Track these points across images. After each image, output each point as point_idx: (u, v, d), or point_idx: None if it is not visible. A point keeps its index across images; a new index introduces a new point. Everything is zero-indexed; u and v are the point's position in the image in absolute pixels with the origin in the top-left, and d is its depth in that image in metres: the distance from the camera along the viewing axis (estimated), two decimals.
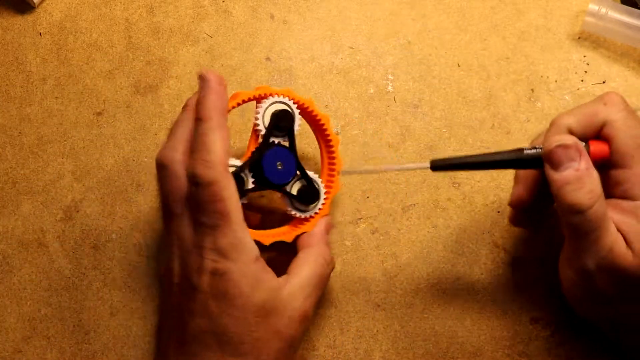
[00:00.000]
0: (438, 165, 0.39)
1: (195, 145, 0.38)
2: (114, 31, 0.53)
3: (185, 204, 0.38)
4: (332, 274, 0.46)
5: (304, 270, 0.40)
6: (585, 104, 0.38)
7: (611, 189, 0.37)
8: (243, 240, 0.37)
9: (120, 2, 0.53)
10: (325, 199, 0.44)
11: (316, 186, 0.44)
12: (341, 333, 0.45)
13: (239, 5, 0.53)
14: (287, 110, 0.42)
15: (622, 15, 0.49)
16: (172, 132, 0.41)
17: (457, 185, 0.48)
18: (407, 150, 0.49)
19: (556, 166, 0.35)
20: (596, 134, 0.37)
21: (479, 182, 0.48)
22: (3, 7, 0.54)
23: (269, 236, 0.42)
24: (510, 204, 0.42)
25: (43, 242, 0.48)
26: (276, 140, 0.42)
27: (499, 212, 0.47)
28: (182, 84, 0.51)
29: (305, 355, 0.45)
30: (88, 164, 0.49)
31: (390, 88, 0.50)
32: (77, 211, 0.48)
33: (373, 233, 0.47)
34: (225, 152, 0.37)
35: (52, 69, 0.52)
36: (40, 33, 0.53)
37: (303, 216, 0.43)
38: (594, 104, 0.38)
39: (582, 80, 0.50)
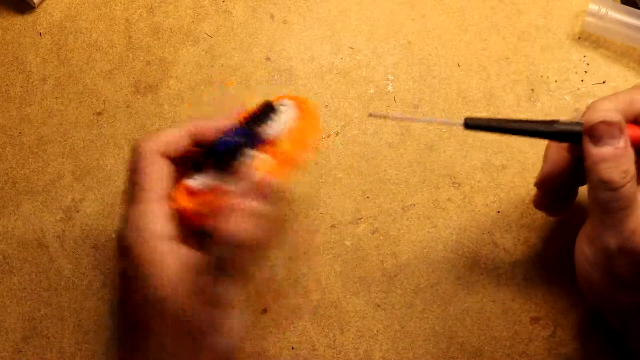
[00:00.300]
0: (472, 124, 0.37)
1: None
2: (114, 31, 0.53)
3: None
4: (332, 274, 0.46)
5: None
6: (623, 91, 0.38)
7: None
8: (150, 215, 0.36)
9: (120, 2, 0.53)
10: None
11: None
12: (341, 333, 0.45)
13: (239, 5, 0.53)
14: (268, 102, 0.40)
15: (622, 15, 0.49)
16: None
17: (457, 185, 0.48)
18: (407, 150, 0.49)
19: (596, 141, 0.36)
20: (633, 120, 0.38)
21: (479, 182, 0.48)
22: (3, 7, 0.54)
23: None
24: (537, 184, 0.41)
25: (43, 242, 0.48)
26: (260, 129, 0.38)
27: (499, 212, 0.47)
28: (182, 84, 0.51)
29: (305, 355, 0.45)
30: (88, 164, 0.50)
31: (390, 88, 0.50)
32: (77, 211, 0.48)
33: (373, 233, 0.47)
34: (168, 142, 0.38)
35: (52, 69, 0.52)
36: (40, 33, 0.53)
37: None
38: (631, 91, 0.38)
39: (582, 80, 0.50)
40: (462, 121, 0.37)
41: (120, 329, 0.38)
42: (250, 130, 0.38)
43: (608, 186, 0.35)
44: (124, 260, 0.37)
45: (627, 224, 0.35)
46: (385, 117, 0.44)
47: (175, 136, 0.38)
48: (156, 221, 0.36)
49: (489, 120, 0.37)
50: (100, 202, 0.49)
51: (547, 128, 0.37)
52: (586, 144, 0.36)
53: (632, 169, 0.35)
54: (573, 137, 0.37)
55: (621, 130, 0.36)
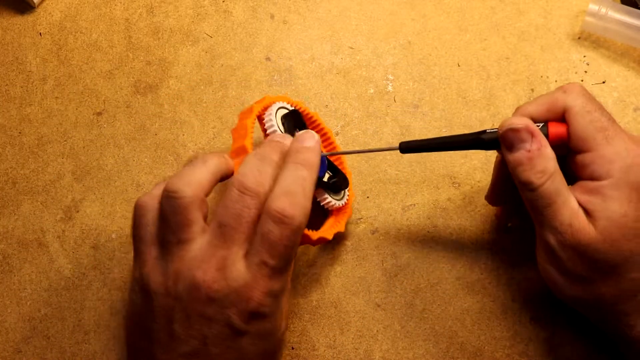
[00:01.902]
0: (406, 147, 0.41)
1: (291, 188, 0.36)
2: (114, 31, 0.53)
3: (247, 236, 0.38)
4: (332, 274, 0.46)
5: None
6: (547, 93, 0.39)
7: (579, 172, 0.38)
8: (288, 284, 0.38)
9: (120, 2, 0.53)
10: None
11: (342, 173, 0.45)
12: (341, 333, 0.45)
13: (239, 5, 0.53)
14: (297, 111, 0.44)
15: (622, 15, 0.49)
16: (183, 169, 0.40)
17: (457, 185, 0.48)
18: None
19: (509, 147, 0.37)
20: (560, 118, 0.39)
21: (479, 182, 0.48)
22: (3, 7, 0.54)
23: (313, 233, 0.42)
24: (486, 197, 0.45)
25: (43, 242, 0.48)
26: None
27: None
28: (182, 84, 0.51)
29: (305, 355, 0.45)
30: (88, 164, 0.49)
31: (390, 88, 0.50)
32: (77, 211, 0.48)
33: (373, 233, 0.47)
34: (205, 191, 0.37)
35: (52, 69, 0.52)
36: (40, 33, 0.53)
37: (339, 205, 0.44)
38: (554, 92, 0.39)
39: (582, 80, 0.50)
40: (397, 146, 0.41)
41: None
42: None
43: (528, 187, 0.37)
44: (251, 322, 0.36)
45: (559, 219, 0.36)
46: (330, 154, 0.46)
47: (209, 183, 0.37)
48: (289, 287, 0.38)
49: (420, 141, 0.40)
50: (100, 202, 0.49)
51: (473, 138, 0.39)
52: (504, 151, 0.38)
53: (550, 167, 0.36)
54: (498, 144, 0.39)
55: (531, 134, 0.37)
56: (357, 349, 0.45)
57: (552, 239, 0.37)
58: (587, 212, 0.36)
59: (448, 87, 0.50)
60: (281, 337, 0.38)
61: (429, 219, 0.47)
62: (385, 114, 0.50)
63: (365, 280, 0.46)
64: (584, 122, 0.37)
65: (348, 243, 0.47)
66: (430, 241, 0.47)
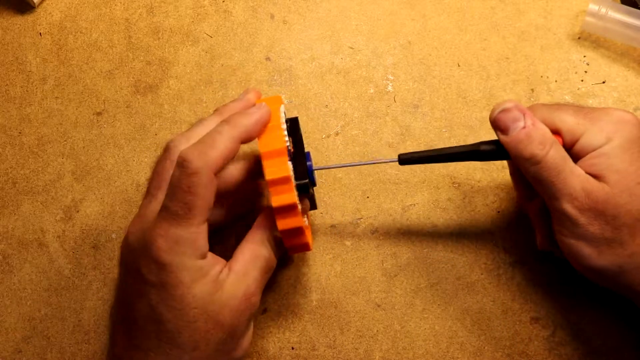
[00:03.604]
0: (405, 159, 0.41)
1: (205, 137, 0.38)
2: (114, 31, 0.53)
3: (163, 188, 0.40)
4: (332, 274, 0.46)
5: (246, 254, 0.39)
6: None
7: (577, 158, 0.39)
8: (195, 238, 0.37)
9: (120, 2, 0.53)
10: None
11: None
12: (341, 333, 0.45)
13: (239, 5, 0.53)
14: (297, 119, 0.43)
15: (622, 15, 0.49)
16: (193, 126, 0.42)
17: (457, 185, 0.48)
18: (407, 150, 0.49)
19: (504, 130, 0.38)
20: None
21: (479, 182, 0.48)
22: (3, 7, 0.54)
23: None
24: (521, 207, 0.45)
25: (43, 242, 0.48)
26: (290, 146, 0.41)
27: (499, 212, 0.47)
28: (182, 84, 0.51)
29: (305, 355, 0.45)
30: (88, 164, 0.50)
31: (390, 88, 0.50)
32: (77, 211, 0.48)
33: (373, 233, 0.47)
34: (224, 157, 0.37)
35: (52, 69, 0.52)
36: (40, 33, 0.53)
37: (307, 223, 0.43)
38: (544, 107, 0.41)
39: (582, 80, 0.50)
40: (396, 158, 0.41)
41: (147, 324, 0.38)
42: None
43: (533, 161, 0.37)
44: (158, 273, 0.37)
45: (571, 183, 0.37)
46: (328, 168, 0.46)
47: (228, 150, 0.38)
48: (199, 244, 0.37)
49: (419, 152, 0.41)
50: (100, 202, 0.49)
51: (471, 149, 0.40)
52: (502, 139, 0.39)
53: (549, 137, 0.37)
54: (495, 154, 0.40)
55: (521, 111, 0.38)
56: (357, 349, 0.45)
57: (569, 207, 0.37)
58: (595, 176, 0.37)
59: (448, 87, 0.50)
60: (191, 300, 0.37)
61: (429, 219, 0.47)
62: (385, 114, 0.50)
63: (365, 280, 0.46)
64: (559, 116, 0.39)
65: (348, 243, 0.47)
66: (430, 241, 0.47)
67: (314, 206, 0.44)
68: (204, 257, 0.37)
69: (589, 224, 0.37)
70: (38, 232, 0.48)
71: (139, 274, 0.37)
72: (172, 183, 0.37)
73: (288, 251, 0.41)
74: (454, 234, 0.47)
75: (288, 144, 0.39)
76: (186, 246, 0.36)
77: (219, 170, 0.37)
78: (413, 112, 0.50)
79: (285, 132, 0.40)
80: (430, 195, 0.48)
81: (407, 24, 0.52)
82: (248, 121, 0.38)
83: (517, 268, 0.46)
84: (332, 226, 0.47)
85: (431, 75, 0.51)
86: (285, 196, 0.37)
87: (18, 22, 0.53)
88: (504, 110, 0.38)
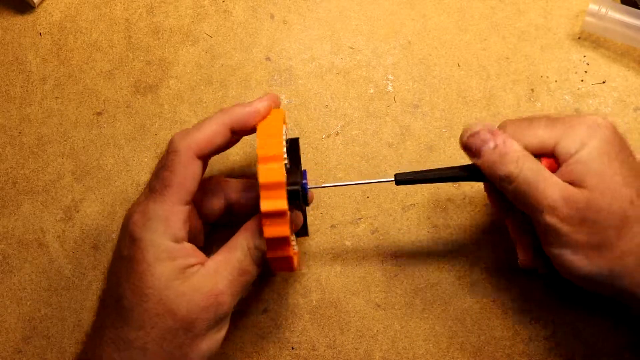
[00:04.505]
0: (401, 180, 0.40)
1: (196, 123, 0.39)
2: (114, 31, 0.53)
3: None
4: (332, 274, 0.46)
5: (222, 254, 0.39)
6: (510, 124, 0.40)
7: (554, 169, 0.38)
8: (170, 216, 0.37)
9: (120, 2, 0.53)
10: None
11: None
12: (341, 333, 0.45)
13: (239, 5, 0.53)
14: (297, 140, 0.42)
15: (622, 15, 0.49)
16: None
17: (457, 185, 0.48)
18: (407, 150, 0.49)
19: (477, 153, 0.38)
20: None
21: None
22: (3, 7, 0.54)
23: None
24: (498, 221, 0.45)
25: (43, 242, 0.48)
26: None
27: None
28: (182, 84, 0.51)
29: (305, 355, 0.45)
30: (88, 164, 0.49)
31: (390, 88, 0.50)
32: (77, 211, 0.48)
33: (373, 233, 0.47)
34: (208, 140, 0.38)
35: (52, 69, 0.52)
36: (40, 33, 0.53)
37: (295, 249, 0.41)
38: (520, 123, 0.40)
39: (582, 80, 0.50)
40: (392, 178, 0.40)
41: (110, 300, 0.39)
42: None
43: (509, 180, 0.37)
44: (129, 247, 0.37)
45: (549, 194, 0.36)
46: (322, 187, 0.45)
47: (214, 134, 0.38)
48: (172, 225, 0.37)
49: (415, 173, 0.40)
50: (100, 202, 0.49)
51: (465, 170, 0.40)
52: (475, 162, 0.39)
53: (521, 153, 0.37)
54: (475, 177, 0.40)
55: (489, 132, 0.38)
56: (357, 349, 0.45)
57: (551, 219, 0.36)
58: (574, 183, 0.36)
59: (448, 87, 0.50)
60: (149, 279, 0.36)
61: (429, 219, 0.47)
62: (385, 114, 0.50)
63: (365, 280, 0.46)
64: (530, 133, 0.38)
65: (348, 243, 0.47)
66: (430, 241, 0.47)
67: (304, 232, 0.43)
68: (176, 240, 0.37)
69: (574, 232, 0.36)
70: (38, 232, 0.48)
71: (117, 249, 0.39)
72: (157, 164, 0.39)
73: (271, 265, 0.39)
74: (453, 234, 0.47)
75: (286, 161, 0.38)
76: (158, 223, 0.37)
77: (203, 153, 0.38)
78: (413, 112, 0.50)
79: (284, 143, 0.39)
80: (430, 195, 0.48)
81: (407, 24, 0.52)
82: (242, 109, 0.39)
83: (517, 268, 0.46)
84: (332, 226, 0.47)
85: (431, 75, 0.51)
86: (275, 202, 0.36)
87: (18, 22, 0.53)
88: (473, 134, 0.38)
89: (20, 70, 0.52)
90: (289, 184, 0.37)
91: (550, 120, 0.38)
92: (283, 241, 0.37)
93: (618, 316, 0.44)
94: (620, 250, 0.36)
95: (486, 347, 0.45)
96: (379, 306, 0.46)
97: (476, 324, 0.45)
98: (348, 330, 0.45)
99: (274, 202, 0.36)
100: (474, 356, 0.44)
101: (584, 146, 0.37)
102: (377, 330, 0.45)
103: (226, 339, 0.39)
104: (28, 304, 0.47)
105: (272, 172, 0.37)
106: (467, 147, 0.39)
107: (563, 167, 0.37)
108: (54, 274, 0.47)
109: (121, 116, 0.51)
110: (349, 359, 0.45)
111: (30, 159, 0.50)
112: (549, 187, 0.36)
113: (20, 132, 0.50)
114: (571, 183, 0.37)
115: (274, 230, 0.37)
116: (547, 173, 0.37)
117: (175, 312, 0.36)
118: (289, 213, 0.37)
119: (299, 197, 0.38)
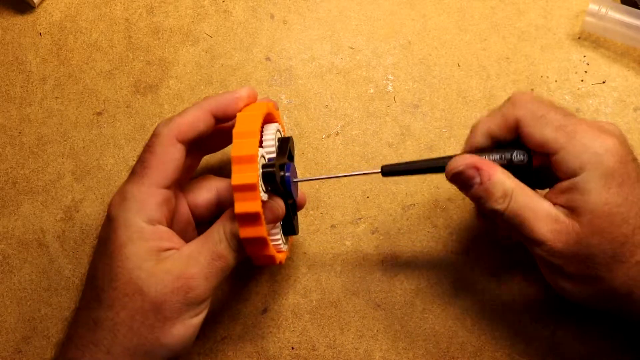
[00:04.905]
0: (388, 171, 0.40)
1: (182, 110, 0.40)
2: (114, 31, 0.53)
3: None
4: (332, 274, 0.46)
5: (198, 241, 0.38)
6: (499, 106, 0.39)
7: (559, 174, 0.37)
8: (146, 198, 0.37)
9: (120, 2, 0.53)
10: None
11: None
12: (341, 333, 0.45)
13: (239, 5, 0.53)
14: (290, 139, 0.42)
15: (622, 15, 0.49)
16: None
17: None
18: (407, 150, 0.49)
19: (464, 188, 0.38)
20: (514, 134, 0.38)
21: None
22: (3, 7, 0.54)
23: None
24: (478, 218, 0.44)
25: (43, 242, 0.48)
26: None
27: None
28: (182, 84, 0.51)
29: (305, 355, 0.45)
30: (88, 164, 0.49)
31: (390, 88, 0.50)
32: (77, 211, 0.48)
33: (373, 233, 0.47)
34: (189, 124, 0.39)
35: (52, 69, 0.52)
36: (40, 33, 0.53)
37: (284, 248, 0.41)
38: (503, 105, 0.39)
39: (582, 80, 0.50)
40: (379, 170, 0.40)
41: (87, 281, 0.39)
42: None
43: (496, 215, 0.37)
44: (106, 227, 0.38)
45: (538, 230, 0.36)
46: (309, 180, 0.44)
47: (195, 118, 0.39)
48: (147, 206, 0.38)
49: (401, 164, 0.40)
50: (100, 202, 0.49)
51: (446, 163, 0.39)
52: (464, 194, 0.39)
53: (508, 188, 0.37)
54: None
55: (475, 168, 0.37)
56: (357, 349, 0.45)
57: (541, 252, 0.36)
58: (570, 210, 0.36)
59: (448, 87, 0.50)
60: (120, 257, 0.36)
61: (429, 219, 0.47)
62: (385, 114, 0.50)
63: (365, 280, 0.46)
64: (538, 128, 0.37)
65: (348, 243, 0.47)
66: (430, 241, 0.47)
67: (293, 230, 0.42)
68: (151, 222, 0.37)
69: (564, 265, 0.36)
70: (38, 232, 0.48)
71: (100, 232, 0.39)
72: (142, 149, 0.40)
73: (251, 256, 0.39)
74: (453, 234, 0.47)
75: (268, 150, 0.38)
76: (132, 202, 0.37)
77: (185, 137, 0.39)
78: (413, 112, 0.50)
79: (274, 145, 0.39)
80: (430, 195, 0.48)
81: (407, 24, 0.52)
82: (223, 96, 0.40)
83: (517, 268, 0.46)
84: (332, 226, 0.47)
85: (431, 75, 0.51)
86: (249, 204, 0.36)
87: (18, 22, 0.53)
88: (458, 173, 0.38)
89: (20, 70, 0.52)
90: (265, 166, 0.37)
91: (566, 118, 0.37)
92: (254, 218, 0.36)
93: (618, 317, 0.44)
94: (610, 284, 0.36)
95: (486, 347, 0.45)
96: (379, 306, 0.46)
97: (476, 324, 0.45)
98: (348, 330, 0.45)
99: (247, 204, 0.36)
100: (474, 356, 0.44)
101: (583, 171, 0.35)
102: (377, 330, 0.45)
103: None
104: (28, 304, 0.47)
105: (246, 174, 0.36)
106: (454, 183, 0.39)
107: (559, 190, 0.37)
108: (54, 274, 0.47)
109: (121, 116, 0.51)
110: (349, 359, 0.45)
111: (30, 159, 0.50)
112: (538, 221, 0.36)
113: (20, 132, 0.50)
114: (564, 206, 0.36)
115: (249, 231, 0.36)
116: (537, 204, 0.36)
117: (145, 293, 0.36)
118: (260, 189, 0.36)
119: (274, 179, 0.37)
